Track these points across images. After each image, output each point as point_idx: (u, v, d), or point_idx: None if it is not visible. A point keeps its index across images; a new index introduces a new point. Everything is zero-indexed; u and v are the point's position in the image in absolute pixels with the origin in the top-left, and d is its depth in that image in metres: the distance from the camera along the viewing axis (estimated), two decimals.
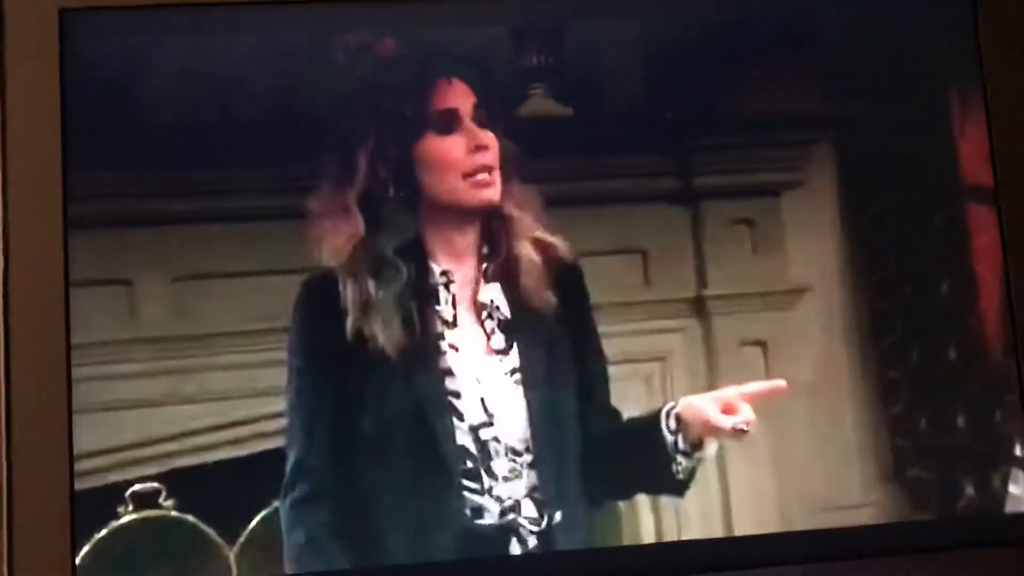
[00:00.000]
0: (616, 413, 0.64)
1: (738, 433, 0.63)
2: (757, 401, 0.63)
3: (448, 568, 0.61)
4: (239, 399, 0.62)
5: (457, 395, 0.62)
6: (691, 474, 0.63)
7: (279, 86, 0.64)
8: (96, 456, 0.60)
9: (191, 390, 0.61)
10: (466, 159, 0.63)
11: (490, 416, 0.62)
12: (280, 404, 0.62)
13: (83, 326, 0.61)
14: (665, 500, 0.63)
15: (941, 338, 0.67)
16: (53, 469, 0.59)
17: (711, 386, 0.65)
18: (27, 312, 0.60)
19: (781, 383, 0.64)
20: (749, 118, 0.67)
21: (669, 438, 0.63)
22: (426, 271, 0.63)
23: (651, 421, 0.63)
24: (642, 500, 0.64)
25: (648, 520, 0.64)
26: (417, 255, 0.63)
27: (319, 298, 0.62)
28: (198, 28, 0.64)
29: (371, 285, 0.62)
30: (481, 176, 0.63)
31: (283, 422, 0.62)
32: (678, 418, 0.63)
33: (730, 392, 0.63)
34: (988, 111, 0.67)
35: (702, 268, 0.66)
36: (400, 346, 0.62)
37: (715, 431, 0.63)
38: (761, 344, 0.66)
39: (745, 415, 0.63)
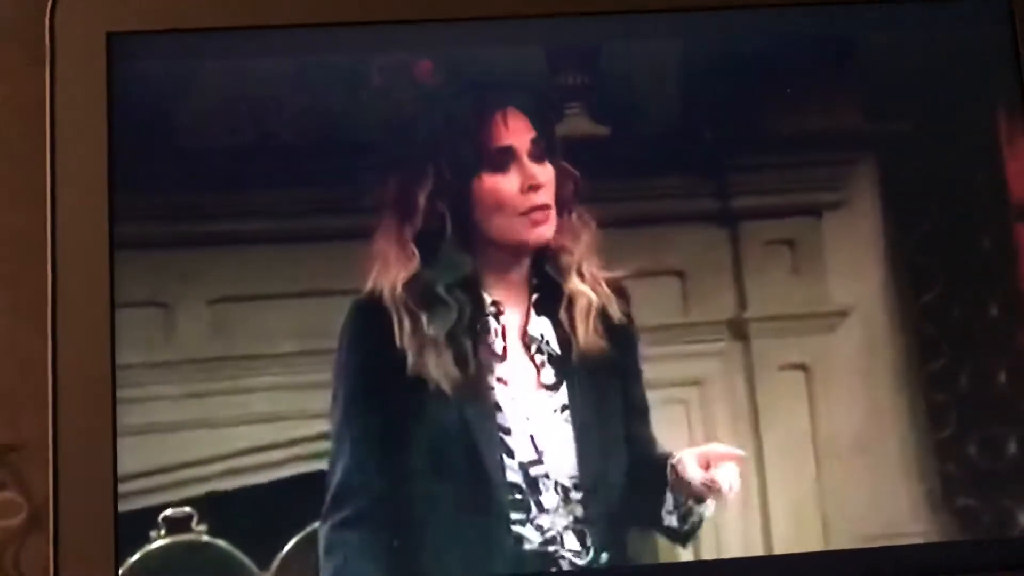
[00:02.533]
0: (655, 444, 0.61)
1: (711, 491, 0.59)
2: (722, 462, 0.60)
3: None
4: (274, 422, 0.60)
5: (507, 431, 0.60)
6: (692, 527, 0.60)
7: (321, 109, 0.63)
8: (131, 479, 0.59)
9: (225, 413, 0.60)
10: (520, 198, 0.61)
11: (539, 453, 0.60)
12: (317, 427, 0.60)
13: (120, 347, 0.60)
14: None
15: (991, 361, 0.63)
16: (96, 492, 0.58)
17: (751, 411, 0.62)
18: (72, 333, 0.59)
19: (740, 452, 0.60)
20: (789, 137, 0.64)
21: (668, 494, 0.60)
22: (479, 302, 0.61)
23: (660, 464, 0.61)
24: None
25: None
26: (470, 287, 0.61)
27: (369, 321, 0.60)
28: (242, 51, 0.63)
29: (423, 319, 0.60)
30: (535, 215, 0.61)
31: (320, 445, 0.60)
32: (674, 470, 0.60)
33: (714, 448, 0.60)
34: None
35: (741, 290, 0.63)
36: (450, 378, 0.60)
37: (692, 487, 0.60)
38: (803, 368, 0.62)
39: (718, 474, 0.59)
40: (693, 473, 0.60)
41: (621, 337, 0.61)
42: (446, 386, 0.59)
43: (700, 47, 0.65)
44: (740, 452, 0.61)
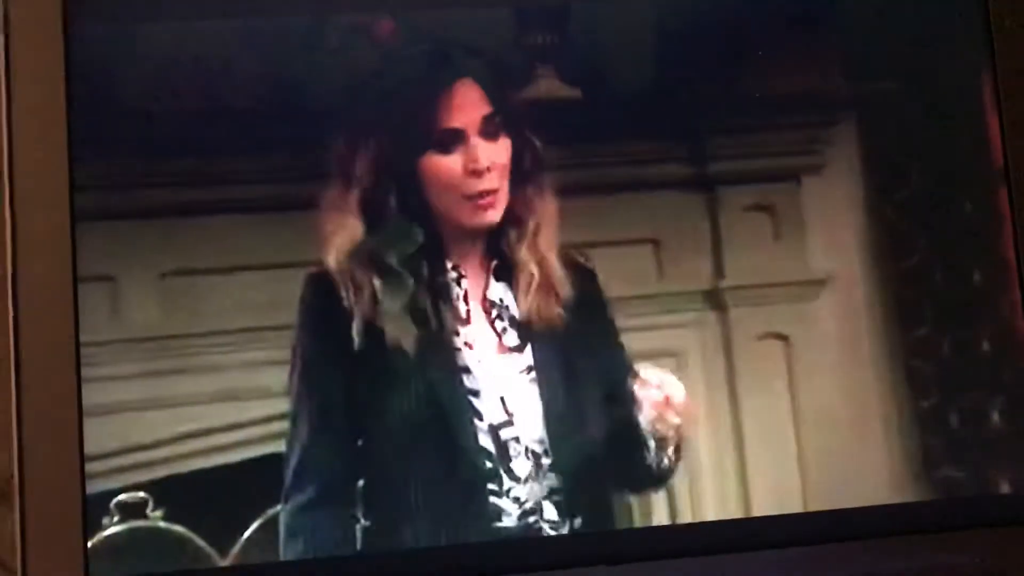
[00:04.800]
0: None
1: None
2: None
3: (467, 551, 0.56)
4: (230, 402, 0.56)
5: (476, 394, 0.57)
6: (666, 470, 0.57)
7: (280, 73, 0.59)
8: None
9: (178, 392, 0.56)
10: (465, 181, 0.58)
11: (510, 415, 0.57)
12: (277, 406, 0.56)
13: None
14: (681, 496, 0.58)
15: (974, 329, 0.60)
16: (62, 469, 0.54)
17: (729, 383, 0.59)
18: (33, 308, 0.55)
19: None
20: (766, 99, 0.61)
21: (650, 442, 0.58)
22: (439, 267, 0.57)
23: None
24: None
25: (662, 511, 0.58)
26: (428, 256, 0.57)
27: (326, 292, 0.57)
28: (200, 13, 0.59)
29: (377, 289, 0.56)
30: (480, 200, 0.58)
31: (281, 425, 0.56)
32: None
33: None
34: (998, 88, 0.61)
35: (719, 258, 0.59)
36: (414, 343, 0.56)
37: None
38: (782, 338, 0.59)
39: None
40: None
41: (586, 302, 0.58)
42: (410, 351, 0.56)
43: (675, 5, 0.61)
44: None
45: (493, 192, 0.58)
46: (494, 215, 0.58)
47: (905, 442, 0.59)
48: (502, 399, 0.57)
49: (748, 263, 0.59)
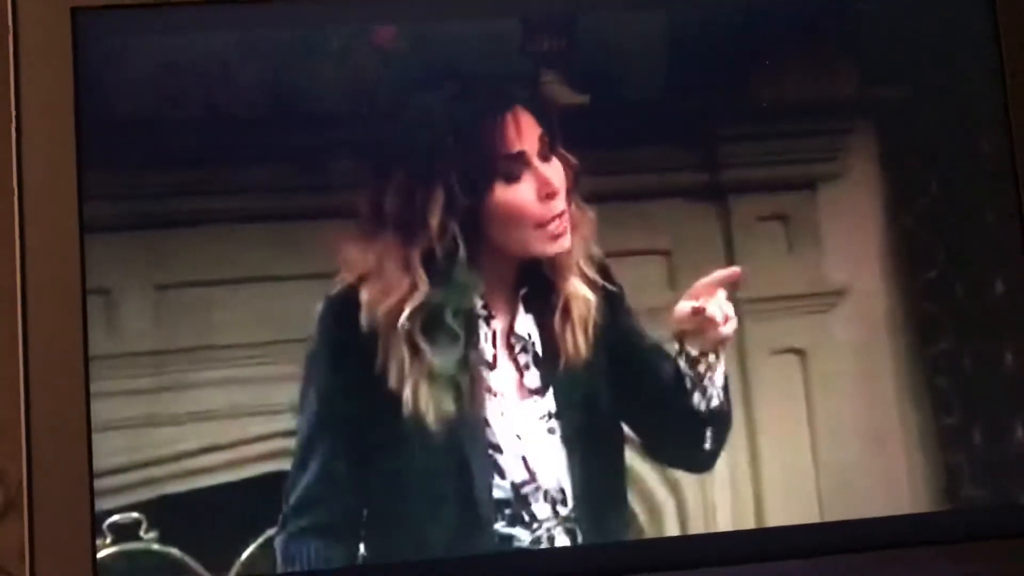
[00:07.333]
0: None
1: (704, 321, 0.55)
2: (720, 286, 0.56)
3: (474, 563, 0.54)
4: (226, 419, 0.54)
5: (498, 449, 0.55)
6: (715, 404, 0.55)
7: (289, 84, 0.57)
8: None
9: (174, 410, 0.54)
10: (539, 208, 0.55)
11: (532, 473, 0.55)
12: (276, 424, 0.54)
13: None
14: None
15: (997, 343, 0.58)
16: (71, 480, 0.53)
17: (745, 401, 0.57)
18: (41, 319, 0.54)
19: (736, 269, 0.56)
20: (781, 105, 0.59)
21: (681, 364, 0.55)
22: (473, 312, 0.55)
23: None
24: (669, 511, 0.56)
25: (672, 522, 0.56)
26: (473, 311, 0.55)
27: (347, 316, 0.54)
28: (211, 25, 0.57)
29: (426, 350, 0.53)
30: (554, 226, 0.55)
31: (279, 443, 0.54)
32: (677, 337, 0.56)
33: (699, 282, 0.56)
34: (1007, 94, 0.59)
35: None
36: (441, 407, 0.54)
37: (693, 328, 0.55)
38: (798, 352, 0.57)
39: (707, 304, 0.55)
40: (682, 309, 0.55)
41: (618, 334, 0.56)
42: (436, 407, 0.54)
43: (686, 9, 0.59)
44: (730, 270, 0.56)
45: (564, 215, 0.55)
46: (565, 241, 0.55)
47: (926, 459, 0.57)
48: (524, 458, 0.55)
49: (762, 274, 0.58)
